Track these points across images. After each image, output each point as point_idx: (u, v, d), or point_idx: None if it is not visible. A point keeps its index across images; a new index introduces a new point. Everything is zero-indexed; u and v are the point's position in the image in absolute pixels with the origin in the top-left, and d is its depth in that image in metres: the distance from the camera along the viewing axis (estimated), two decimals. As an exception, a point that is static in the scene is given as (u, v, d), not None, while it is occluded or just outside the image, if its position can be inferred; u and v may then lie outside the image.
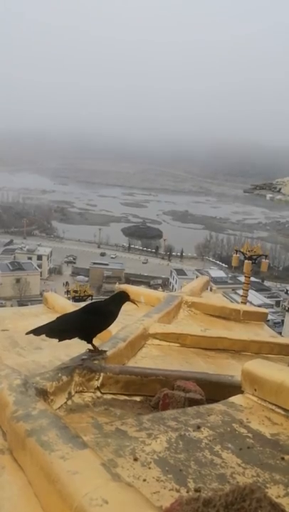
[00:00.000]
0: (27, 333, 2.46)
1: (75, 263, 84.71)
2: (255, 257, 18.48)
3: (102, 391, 2.52)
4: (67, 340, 2.52)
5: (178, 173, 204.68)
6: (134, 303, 2.80)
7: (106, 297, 2.85)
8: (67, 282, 63.90)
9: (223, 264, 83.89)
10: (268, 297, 63.96)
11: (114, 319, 2.60)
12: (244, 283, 17.67)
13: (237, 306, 5.83)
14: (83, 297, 19.42)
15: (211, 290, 6.15)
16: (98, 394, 2.50)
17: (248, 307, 6.26)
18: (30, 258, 73.99)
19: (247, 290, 17.35)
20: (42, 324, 2.51)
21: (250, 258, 17.97)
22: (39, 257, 76.16)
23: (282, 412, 2.13)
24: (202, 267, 79.84)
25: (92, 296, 20.95)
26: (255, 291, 56.78)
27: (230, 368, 3.20)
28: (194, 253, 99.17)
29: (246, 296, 17.17)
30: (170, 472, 1.65)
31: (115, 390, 2.55)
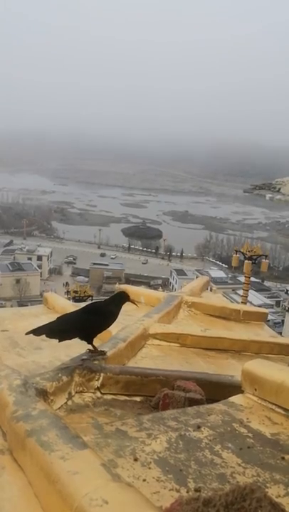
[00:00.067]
0: (27, 333, 2.46)
1: (75, 263, 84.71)
2: (255, 257, 18.47)
3: (103, 391, 2.52)
4: (67, 341, 2.52)
5: (178, 174, 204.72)
6: (134, 303, 2.80)
7: (106, 297, 2.85)
8: (67, 283, 63.88)
9: (223, 265, 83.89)
10: (268, 297, 63.95)
11: (115, 319, 2.60)
12: (244, 283, 17.67)
13: (237, 306, 5.83)
14: (83, 298, 19.40)
15: (211, 290, 6.15)
16: (98, 394, 2.50)
17: (248, 307, 6.26)
18: (30, 258, 73.98)
19: (247, 290, 17.35)
20: (42, 324, 2.51)
21: (250, 258, 17.96)
22: (39, 258, 76.15)
23: (283, 412, 2.13)
24: (202, 267, 79.83)
25: (92, 296, 20.93)
26: (255, 291, 56.77)
27: (230, 368, 3.20)
28: (194, 253, 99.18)
29: (246, 297, 17.17)
30: (170, 472, 1.65)
31: (115, 391, 2.54)
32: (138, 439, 1.85)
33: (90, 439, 1.81)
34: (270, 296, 65.79)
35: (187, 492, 1.53)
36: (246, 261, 17.81)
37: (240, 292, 21.03)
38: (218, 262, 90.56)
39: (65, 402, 2.35)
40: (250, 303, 24.10)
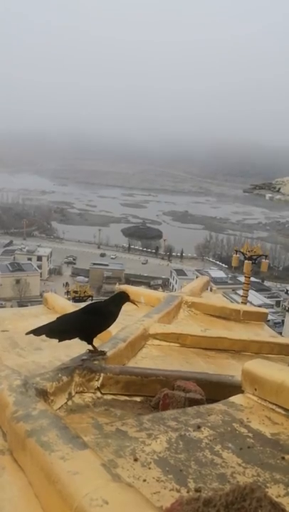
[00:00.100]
0: (27, 333, 2.46)
1: (75, 264, 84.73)
2: (255, 257, 18.48)
3: (103, 391, 2.52)
4: (67, 341, 2.52)
5: (177, 174, 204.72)
6: (134, 303, 2.80)
7: (106, 298, 2.85)
8: (67, 283, 63.89)
9: (223, 265, 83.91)
10: (268, 297, 63.98)
11: (115, 320, 2.60)
12: (244, 283, 17.67)
13: (237, 306, 5.83)
14: (83, 298, 19.40)
15: (211, 290, 6.15)
16: (98, 394, 2.50)
17: (248, 307, 6.26)
18: (30, 259, 74.00)
19: (247, 290, 17.35)
20: (42, 325, 2.51)
21: (250, 258, 17.97)
22: (39, 258, 76.16)
23: (283, 412, 2.13)
24: (202, 267, 79.85)
25: (92, 296, 20.93)
26: (255, 291, 56.78)
27: (230, 368, 3.20)
28: (194, 253, 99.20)
29: (246, 297, 17.17)
30: (170, 472, 1.65)
31: (115, 391, 2.54)
32: (138, 439, 1.85)
33: (90, 439, 1.81)
34: (270, 296, 65.82)
35: (187, 492, 1.53)
36: (246, 261, 17.82)
37: (240, 292, 21.03)
38: (218, 262, 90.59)
39: (65, 403, 2.35)
40: (250, 303, 24.10)
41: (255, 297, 52.19)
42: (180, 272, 73.54)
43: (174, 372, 2.72)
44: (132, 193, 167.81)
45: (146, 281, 67.97)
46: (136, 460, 1.70)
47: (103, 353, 2.70)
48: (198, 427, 1.97)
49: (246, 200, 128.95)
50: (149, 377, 2.58)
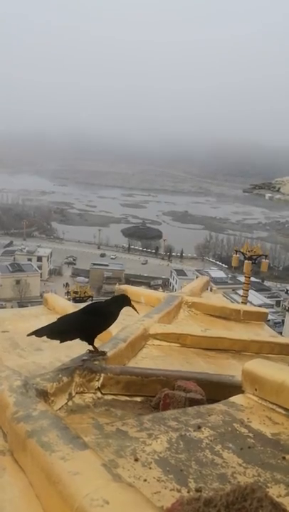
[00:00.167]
0: (28, 335, 2.46)
1: (75, 264, 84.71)
2: (255, 257, 18.47)
3: (103, 392, 2.52)
4: (67, 342, 2.52)
5: (177, 174, 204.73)
6: (135, 309, 2.76)
7: (106, 298, 2.85)
8: (67, 283, 63.85)
9: (223, 265, 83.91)
10: (268, 297, 63.98)
11: (114, 320, 2.60)
12: (244, 283, 17.67)
13: (237, 306, 5.83)
14: (83, 298, 19.39)
15: (211, 290, 6.15)
16: (99, 394, 2.50)
17: (248, 307, 6.26)
18: (30, 259, 73.96)
19: (247, 290, 17.35)
20: (43, 325, 2.51)
21: (250, 258, 17.97)
22: (39, 259, 76.13)
23: (283, 412, 2.13)
24: (202, 268, 79.86)
25: (92, 297, 20.91)
26: (256, 291, 56.79)
27: (230, 368, 3.20)
28: (194, 253, 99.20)
29: (246, 296, 17.18)
30: (171, 472, 1.65)
31: (116, 391, 2.54)
32: (139, 440, 1.85)
33: (90, 440, 1.81)
34: (270, 296, 65.82)
35: (188, 492, 1.53)
36: (246, 261, 17.82)
37: (241, 292, 21.03)
38: (218, 262, 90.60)
39: (66, 403, 2.35)
40: (251, 303, 24.11)
41: (255, 297, 52.20)
42: (180, 272, 73.54)
43: (174, 372, 2.72)
44: (131, 193, 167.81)
45: (146, 282, 67.92)
46: (136, 460, 1.70)
47: (103, 353, 2.70)
48: (199, 427, 1.97)
49: (246, 200, 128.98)
50: (150, 378, 2.58)
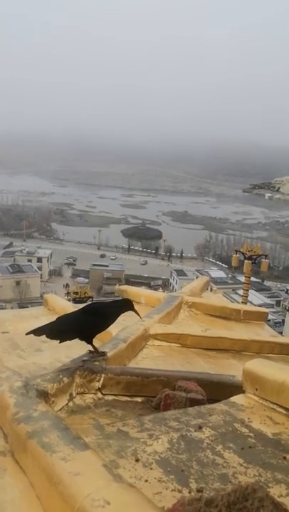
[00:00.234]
0: (27, 334, 2.46)
1: (75, 265, 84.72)
2: (255, 257, 18.46)
3: (104, 392, 2.52)
4: (67, 342, 2.52)
5: (177, 174, 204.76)
6: (137, 314, 2.74)
7: (106, 299, 2.84)
8: (67, 284, 63.89)
9: (223, 265, 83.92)
10: (269, 297, 63.96)
11: (114, 321, 2.59)
12: (244, 283, 17.67)
13: (237, 306, 5.83)
14: (83, 299, 19.39)
15: (211, 290, 6.15)
16: (99, 395, 2.50)
17: (248, 307, 6.25)
18: (30, 260, 73.91)
19: (247, 290, 17.35)
20: (42, 325, 2.51)
21: (250, 258, 17.96)
22: (39, 259, 76.11)
23: (284, 412, 2.13)
24: (202, 268, 79.86)
25: (92, 297, 20.91)
26: (256, 291, 56.78)
27: (231, 368, 3.20)
28: (194, 253, 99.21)
29: (246, 296, 17.17)
30: (172, 473, 1.64)
31: (116, 391, 2.54)
32: (139, 440, 1.85)
33: (91, 440, 1.81)
34: (271, 296, 65.81)
35: (189, 492, 1.53)
36: (246, 261, 17.81)
37: (241, 292, 21.02)
38: (218, 262, 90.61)
39: (66, 404, 2.35)
40: (251, 303, 24.10)
41: (256, 297, 52.19)
42: (180, 273, 73.55)
43: (174, 372, 2.72)
44: (131, 193, 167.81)
45: (146, 282, 68.00)
46: (137, 460, 1.70)
47: (103, 353, 2.70)
48: (200, 427, 1.97)
49: (246, 200, 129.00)
50: (150, 378, 2.58)
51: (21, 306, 47.21)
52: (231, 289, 51.32)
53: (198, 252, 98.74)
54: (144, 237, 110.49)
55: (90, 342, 2.59)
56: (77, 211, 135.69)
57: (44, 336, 2.47)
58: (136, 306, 2.69)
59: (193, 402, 2.28)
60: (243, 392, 2.34)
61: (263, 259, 19.68)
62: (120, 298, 4.08)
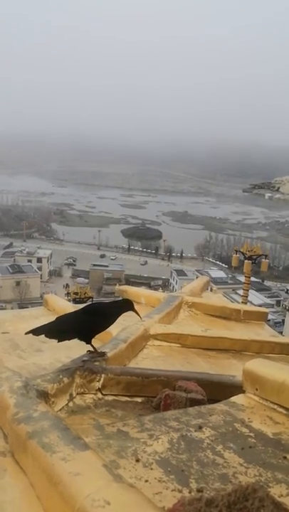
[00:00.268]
0: (26, 333, 2.46)
1: (75, 265, 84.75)
2: (255, 256, 18.47)
3: (104, 392, 2.52)
4: (67, 342, 2.52)
5: (177, 174, 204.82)
6: (138, 314, 2.74)
7: (106, 299, 2.84)
8: (67, 284, 63.89)
9: (223, 265, 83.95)
10: (269, 297, 63.98)
11: (114, 321, 2.59)
12: (244, 283, 17.67)
13: (237, 305, 5.83)
14: (83, 299, 19.39)
15: (211, 290, 6.15)
16: (99, 395, 2.50)
17: (248, 307, 6.25)
18: (30, 261, 73.93)
19: (247, 290, 17.35)
20: (42, 324, 2.51)
21: (250, 258, 17.96)
22: (39, 260, 76.13)
23: (284, 412, 2.13)
24: (202, 268, 79.90)
25: (92, 297, 20.91)
26: (256, 291, 56.79)
27: (231, 368, 3.20)
28: (194, 254, 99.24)
29: (247, 296, 17.17)
30: (172, 473, 1.64)
31: (116, 391, 2.54)
32: (140, 440, 1.85)
33: (91, 440, 1.81)
34: (271, 296, 65.83)
35: (189, 492, 1.53)
36: (246, 261, 17.82)
37: (241, 292, 21.03)
38: (218, 262, 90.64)
39: (66, 404, 2.35)
40: (251, 303, 24.11)
41: (256, 297, 52.21)
42: (180, 273, 73.58)
43: (175, 372, 2.72)
44: (131, 193, 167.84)
45: (146, 282, 68.03)
46: (138, 461, 1.70)
47: (103, 354, 2.70)
48: (200, 427, 1.97)
49: (246, 200, 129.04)
50: (150, 378, 2.58)
51: (21, 306, 47.21)
52: (231, 289, 51.35)
53: (198, 252, 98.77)
54: (144, 237, 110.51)
55: (89, 342, 2.59)
56: (77, 211, 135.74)
57: (43, 335, 2.47)
58: (136, 307, 2.69)
59: (194, 402, 2.28)
60: (243, 392, 2.33)
61: (263, 259, 19.69)
62: (120, 298, 4.09)
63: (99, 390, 2.51)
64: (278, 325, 45.13)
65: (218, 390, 2.50)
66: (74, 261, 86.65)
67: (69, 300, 14.52)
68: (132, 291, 5.16)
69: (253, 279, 29.62)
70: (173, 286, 67.58)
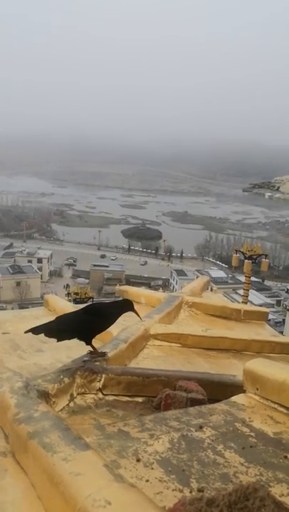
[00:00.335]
0: (26, 332, 2.46)
1: (75, 265, 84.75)
2: (255, 256, 18.45)
3: (104, 392, 2.52)
4: (68, 343, 2.52)
5: (177, 174, 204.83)
6: (138, 314, 2.74)
7: (107, 299, 2.84)
8: (67, 285, 63.84)
9: (223, 264, 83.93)
10: (269, 297, 63.93)
11: (114, 321, 2.59)
12: (244, 283, 17.65)
13: (238, 305, 5.83)
14: (84, 299, 19.36)
15: (211, 290, 6.15)
16: (100, 395, 2.50)
17: (248, 307, 6.25)
18: (30, 261, 73.92)
19: (247, 290, 17.33)
20: (41, 323, 2.51)
21: (250, 258, 17.95)
22: (39, 260, 76.13)
23: (285, 411, 2.13)
24: (202, 268, 79.87)
25: (92, 298, 20.88)
26: (256, 290, 56.78)
27: (231, 368, 3.20)
28: (194, 253, 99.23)
29: (247, 296, 17.15)
30: (173, 472, 1.64)
31: (117, 391, 2.54)
32: (140, 440, 1.85)
33: (92, 440, 1.81)
34: (271, 296, 65.79)
35: (190, 492, 1.53)
36: (246, 260, 17.80)
37: (241, 292, 21.02)
38: (218, 262, 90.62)
39: (67, 404, 2.35)
40: (251, 302, 24.09)
41: (256, 297, 52.20)
42: (180, 273, 73.56)
43: (175, 372, 2.72)
44: (131, 194, 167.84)
45: (146, 282, 68.03)
46: (138, 460, 1.70)
47: (103, 354, 2.70)
48: (201, 427, 1.97)
49: (246, 199, 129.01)
50: (151, 378, 2.58)
51: (22, 306, 47.16)
52: (231, 289, 51.34)
53: (198, 252, 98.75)
54: (144, 237, 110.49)
55: (89, 342, 2.59)
56: (77, 212, 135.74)
57: (43, 335, 2.47)
58: (136, 307, 2.69)
59: (194, 402, 2.28)
60: (244, 391, 2.33)
61: (263, 259, 19.67)
62: (121, 298, 4.09)
63: (100, 390, 2.51)
64: (279, 325, 45.06)
65: (219, 390, 2.50)
66: (74, 261, 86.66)
67: (69, 300, 14.52)
68: (133, 292, 5.16)
69: (253, 278, 29.59)
70: (173, 286, 67.56)
